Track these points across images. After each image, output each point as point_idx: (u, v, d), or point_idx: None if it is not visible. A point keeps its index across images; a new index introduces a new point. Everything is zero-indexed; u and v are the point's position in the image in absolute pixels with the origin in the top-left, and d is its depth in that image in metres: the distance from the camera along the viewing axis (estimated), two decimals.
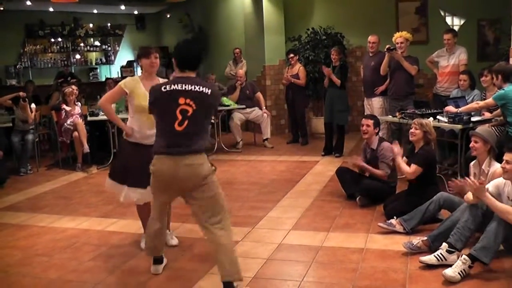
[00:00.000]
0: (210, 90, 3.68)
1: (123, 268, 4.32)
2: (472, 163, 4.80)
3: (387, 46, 7.36)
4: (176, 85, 3.65)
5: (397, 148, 5.29)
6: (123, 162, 4.62)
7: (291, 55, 9.46)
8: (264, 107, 9.70)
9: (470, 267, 3.78)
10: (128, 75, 13.27)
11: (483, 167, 4.60)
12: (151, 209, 4.00)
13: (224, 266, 3.65)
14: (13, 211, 6.28)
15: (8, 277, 4.27)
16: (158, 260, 4.18)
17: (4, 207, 6.49)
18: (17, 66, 14.04)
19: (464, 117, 5.93)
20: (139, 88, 4.45)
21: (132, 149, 4.51)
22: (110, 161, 8.17)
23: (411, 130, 5.16)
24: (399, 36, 7.47)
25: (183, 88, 3.63)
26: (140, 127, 4.48)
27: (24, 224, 5.71)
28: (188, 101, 3.60)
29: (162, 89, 3.66)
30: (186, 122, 3.60)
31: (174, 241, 4.82)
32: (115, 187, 4.62)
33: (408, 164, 5.11)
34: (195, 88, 3.64)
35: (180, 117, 3.60)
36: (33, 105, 8.44)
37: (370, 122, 5.84)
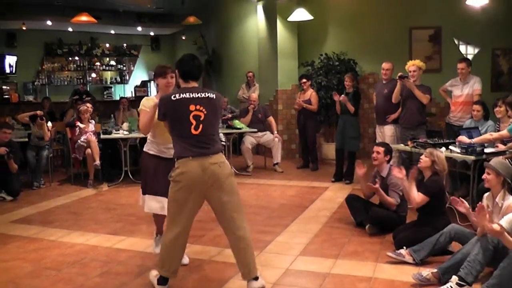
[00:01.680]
0: (214, 95, 4.07)
1: (130, 285, 4.32)
2: (485, 194, 4.69)
3: (399, 74, 7.34)
4: (184, 94, 3.97)
5: (401, 173, 5.27)
6: (143, 174, 4.81)
7: (304, 80, 9.53)
8: (276, 132, 9.74)
9: None
10: (141, 95, 13.45)
11: (496, 200, 4.50)
12: (175, 224, 4.01)
13: (250, 263, 3.99)
14: (24, 223, 6.35)
15: None
16: (164, 281, 4.11)
17: (16, 219, 6.57)
18: (35, 83, 14.30)
19: (477, 148, 5.88)
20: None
21: (152, 161, 4.70)
22: (121, 179, 8.22)
23: (421, 157, 5.16)
24: (412, 64, 7.44)
25: (192, 96, 3.97)
26: (160, 141, 4.65)
27: (34, 237, 5.75)
28: (198, 107, 3.94)
29: (172, 98, 3.96)
30: (201, 126, 3.93)
31: (186, 260, 4.82)
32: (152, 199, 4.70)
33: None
34: (201, 95, 4.01)
35: (194, 122, 3.92)
36: (49, 123, 8.57)
37: (381, 149, 5.84)
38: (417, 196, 4.98)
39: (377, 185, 5.64)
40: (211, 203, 4.07)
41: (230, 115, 10.02)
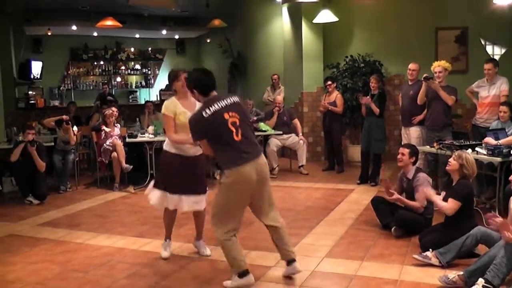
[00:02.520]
0: (236, 98, 4.26)
1: (156, 287, 4.36)
2: None
3: (424, 75, 7.29)
4: (213, 106, 4.07)
5: (429, 191, 5.20)
6: (164, 172, 5.00)
7: (329, 82, 9.50)
8: (301, 134, 9.72)
9: None
10: (166, 99, 13.51)
11: None
12: (228, 225, 4.18)
13: (289, 246, 4.39)
14: (51, 226, 6.45)
15: None
16: (245, 273, 4.17)
17: (44, 222, 6.67)
18: (61, 88, 14.50)
19: (504, 150, 5.82)
20: (179, 109, 4.81)
21: (174, 159, 4.84)
22: (147, 181, 8.28)
23: (449, 159, 5.09)
24: (438, 65, 7.36)
25: (221, 106, 4.08)
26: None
27: (61, 240, 5.84)
28: (231, 113, 4.08)
29: (204, 115, 4.05)
30: (240, 131, 4.07)
31: (207, 251, 5.12)
32: (156, 194, 4.94)
33: (445, 197, 5.02)
34: (228, 101, 4.14)
35: (233, 129, 4.05)
36: (75, 128, 8.67)
37: (406, 151, 5.79)
38: (447, 204, 4.88)
39: (396, 196, 5.60)
40: (254, 198, 4.24)
41: (255, 118, 10.02)
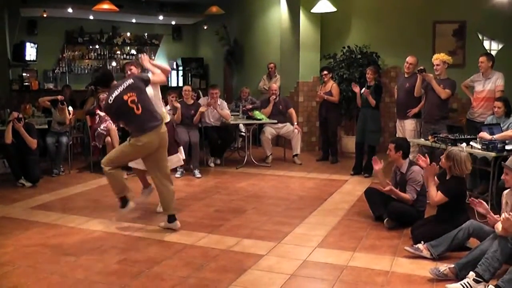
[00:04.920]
0: (131, 79, 5.30)
1: (148, 273, 4.36)
2: (505, 192, 4.62)
3: (419, 68, 7.32)
4: (114, 93, 5.16)
5: (425, 162, 5.26)
6: None
7: (325, 72, 9.49)
8: (296, 123, 9.71)
9: None
10: (162, 85, 13.46)
11: None
12: (115, 166, 5.45)
13: (172, 205, 5.54)
14: (44, 210, 6.43)
15: (36, 273, 4.36)
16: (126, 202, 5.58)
17: (36, 205, 6.65)
18: (55, 71, 14.38)
19: (498, 145, 5.84)
20: None
21: None
22: None
23: (441, 156, 5.11)
24: (436, 58, 7.38)
25: (120, 91, 5.15)
26: None
27: (54, 223, 5.83)
28: (129, 94, 5.15)
29: (109, 101, 5.17)
30: (140, 105, 5.18)
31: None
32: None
33: (438, 186, 5.04)
34: (124, 85, 5.19)
35: (133, 105, 5.15)
36: (70, 108, 8.65)
37: (392, 146, 5.79)
38: (436, 195, 4.92)
39: (389, 187, 5.64)
40: (148, 158, 5.41)
41: (250, 106, 10.00)
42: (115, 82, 5.31)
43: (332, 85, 9.44)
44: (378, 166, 5.85)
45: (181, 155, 6.48)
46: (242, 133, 10.04)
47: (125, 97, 5.11)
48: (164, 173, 5.49)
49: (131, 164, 5.93)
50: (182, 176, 8.33)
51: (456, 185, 4.95)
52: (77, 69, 14.90)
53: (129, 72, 6.25)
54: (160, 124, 5.31)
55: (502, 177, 4.52)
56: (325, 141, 9.90)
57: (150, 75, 5.65)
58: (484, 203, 4.40)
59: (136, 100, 5.14)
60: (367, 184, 7.52)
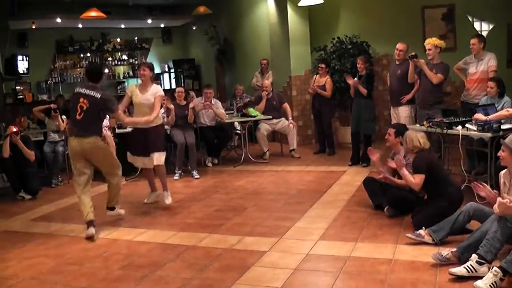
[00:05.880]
0: (99, 95, 5.52)
1: (152, 277, 4.36)
2: (502, 172, 4.57)
3: (410, 54, 7.32)
4: (80, 89, 5.61)
5: (400, 161, 5.27)
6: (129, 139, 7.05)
7: (323, 65, 9.46)
8: (291, 118, 9.70)
9: (501, 279, 3.68)
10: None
11: None
12: (75, 172, 5.78)
13: (116, 198, 6.13)
14: (45, 221, 6.45)
15: (40, 285, 4.37)
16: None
17: (37, 217, 6.67)
18: (48, 82, 14.35)
19: (494, 125, 5.82)
20: (136, 90, 6.58)
21: (134, 131, 6.85)
22: (138, 172, 8.27)
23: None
24: (427, 43, 7.38)
25: (82, 92, 5.53)
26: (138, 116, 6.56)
27: (55, 234, 5.84)
28: (85, 100, 5.49)
29: (74, 90, 5.67)
30: (83, 114, 5.49)
31: (169, 200, 6.64)
32: (131, 157, 6.77)
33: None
34: (88, 92, 5.51)
35: (79, 110, 5.50)
36: (64, 117, 8.65)
37: (392, 130, 5.85)
38: (414, 178, 5.02)
39: (382, 175, 5.68)
40: (92, 163, 5.77)
41: (243, 103, 9.99)
42: (91, 83, 5.66)
43: (326, 80, 9.42)
44: (375, 156, 5.87)
45: (161, 157, 6.65)
46: (238, 131, 10.03)
47: (81, 99, 5.50)
48: (108, 172, 5.95)
49: (137, 165, 6.85)
50: (181, 178, 8.33)
51: (422, 159, 5.07)
52: (70, 78, 14.85)
53: (141, 72, 6.60)
54: (89, 136, 5.52)
55: (498, 153, 4.48)
56: (320, 133, 9.89)
57: (120, 109, 6.14)
58: (487, 186, 4.36)
59: (84, 108, 5.48)
60: (365, 173, 7.52)
